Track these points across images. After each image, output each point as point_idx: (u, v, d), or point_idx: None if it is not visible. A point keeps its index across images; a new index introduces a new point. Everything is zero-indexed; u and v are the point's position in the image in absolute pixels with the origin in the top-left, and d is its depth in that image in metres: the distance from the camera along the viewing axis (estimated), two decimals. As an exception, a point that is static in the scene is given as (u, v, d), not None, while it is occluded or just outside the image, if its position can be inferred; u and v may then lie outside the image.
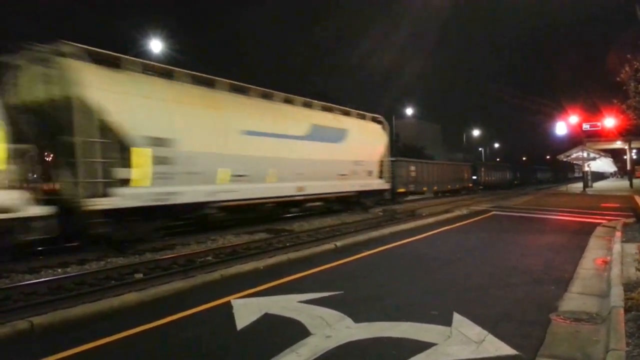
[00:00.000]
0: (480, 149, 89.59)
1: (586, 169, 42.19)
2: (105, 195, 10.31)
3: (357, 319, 5.32)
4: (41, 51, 10.41)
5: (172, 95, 12.32)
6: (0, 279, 8.70)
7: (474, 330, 4.89)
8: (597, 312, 5.44)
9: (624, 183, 52.48)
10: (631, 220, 14.10)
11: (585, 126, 36.59)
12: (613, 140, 40.39)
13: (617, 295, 5.62)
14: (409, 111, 60.69)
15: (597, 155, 42.89)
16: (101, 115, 10.22)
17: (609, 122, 34.48)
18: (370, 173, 20.89)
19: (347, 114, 20.31)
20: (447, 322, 5.13)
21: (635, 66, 15.57)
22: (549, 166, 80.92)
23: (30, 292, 7.77)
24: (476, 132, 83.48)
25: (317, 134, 17.28)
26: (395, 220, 17.88)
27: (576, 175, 73.28)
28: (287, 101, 16.94)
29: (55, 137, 10.40)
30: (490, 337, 4.68)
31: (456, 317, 5.30)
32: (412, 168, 31.59)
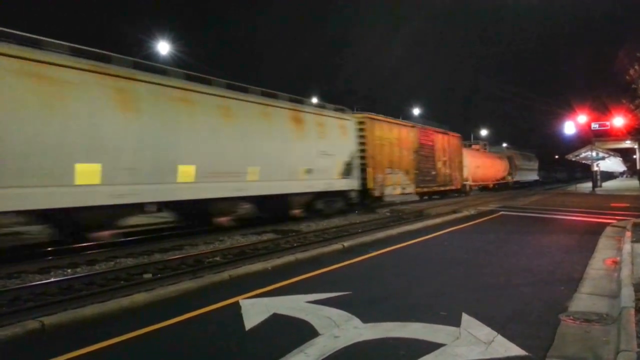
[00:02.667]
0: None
1: (595, 168, 41.86)
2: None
3: (365, 319, 5.31)
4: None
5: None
6: (11, 279, 8.79)
7: (483, 331, 4.87)
8: (607, 313, 5.40)
9: (634, 182, 52.02)
10: (641, 220, 13.97)
11: (594, 125, 36.33)
12: (622, 139, 40.08)
13: (627, 296, 5.58)
14: (416, 111, 60.55)
15: (606, 155, 42.53)
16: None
17: (618, 121, 34.24)
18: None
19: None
20: (456, 323, 5.12)
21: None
22: (580, 167, 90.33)
23: (41, 293, 7.83)
24: (484, 132, 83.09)
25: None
26: (403, 220, 17.84)
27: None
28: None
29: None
30: (500, 338, 4.67)
31: (465, 317, 5.29)
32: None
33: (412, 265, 8.79)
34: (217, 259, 10.58)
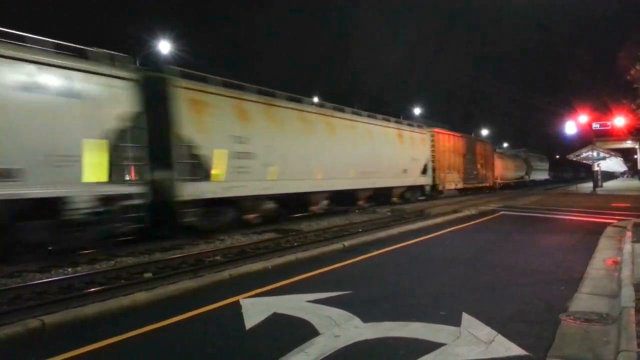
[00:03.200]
0: None
1: (596, 168, 41.83)
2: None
3: (365, 319, 5.32)
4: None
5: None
6: (12, 278, 8.80)
7: (483, 331, 4.87)
8: (607, 313, 5.40)
9: (635, 183, 52.07)
10: (642, 220, 13.95)
11: (595, 125, 36.28)
12: (623, 139, 40.04)
13: (627, 296, 5.58)
14: (417, 111, 60.51)
15: (607, 155, 42.49)
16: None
17: (619, 121, 34.20)
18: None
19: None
20: (456, 322, 5.12)
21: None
22: (584, 166, 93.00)
23: (42, 291, 7.85)
24: (485, 132, 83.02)
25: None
26: (403, 220, 17.85)
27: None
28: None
29: None
30: (500, 338, 4.67)
31: (465, 317, 5.29)
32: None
33: (413, 265, 8.79)
34: (218, 258, 10.59)
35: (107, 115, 10.60)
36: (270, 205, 15.86)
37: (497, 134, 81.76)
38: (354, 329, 5.03)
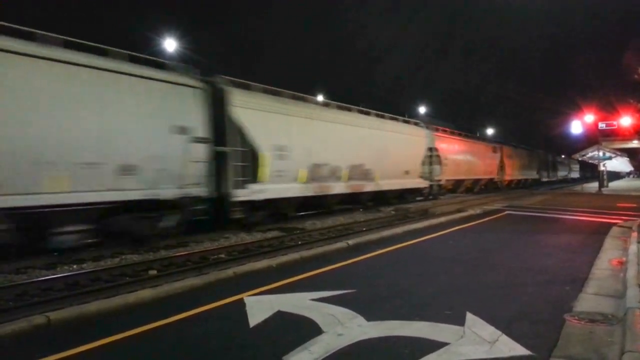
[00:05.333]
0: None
1: (602, 168, 41.60)
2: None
3: (369, 318, 5.32)
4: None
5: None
6: (18, 274, 8.86)
7: (487, 330, 4.87)
8: (612, 313, 5.38)
9: (641, 183, 51.79)
10: (648, 220, 13.87)
11: (601, 125, 36.16)
12: (629, 139, 39.84)
13: (633, 297, 5.55)
14: (422, 109, 60.34)
15: (612, 155, 42.24)
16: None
17: (625, 121, 34.09)
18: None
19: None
20: (460, 322, 5.12)
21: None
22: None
23: (47, 288, 7.90)
24: (490, 131, 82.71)
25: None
26: (408, 219, 17.84)
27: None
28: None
29: None
30: (504, 337, 4.66)
31: (469, 316, 5.28)
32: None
33: (417, 264, 8.78)
34: (222, 256, 10.63)
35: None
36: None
37: (502, 133, 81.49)
38: (357, 328, 5.04)
